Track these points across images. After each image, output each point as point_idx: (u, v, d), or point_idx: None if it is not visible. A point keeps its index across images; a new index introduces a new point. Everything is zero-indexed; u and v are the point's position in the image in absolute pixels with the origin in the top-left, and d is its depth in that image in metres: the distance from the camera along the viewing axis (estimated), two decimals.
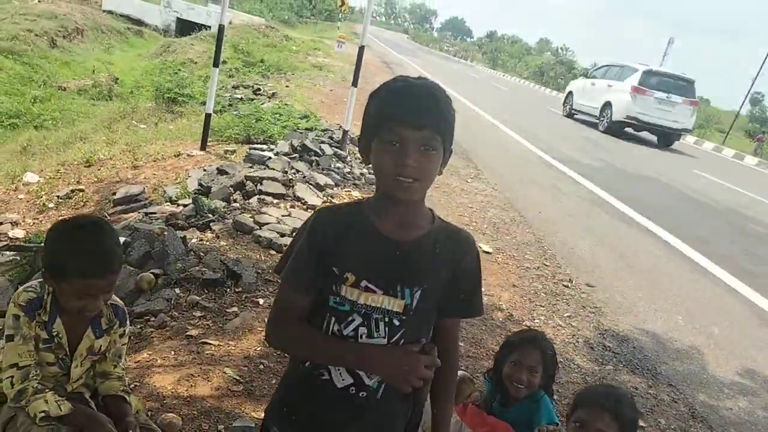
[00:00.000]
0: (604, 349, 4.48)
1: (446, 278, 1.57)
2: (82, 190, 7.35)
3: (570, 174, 11.54)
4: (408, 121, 1.41)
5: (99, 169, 8.16)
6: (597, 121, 18.78)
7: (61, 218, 3.37)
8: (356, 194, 7.06)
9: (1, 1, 22.09)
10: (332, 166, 7.71)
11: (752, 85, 33.10)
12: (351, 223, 1.53)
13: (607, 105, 18.04)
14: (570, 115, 21.07)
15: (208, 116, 8.18)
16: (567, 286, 5.63)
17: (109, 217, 6.40)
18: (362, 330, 1.50)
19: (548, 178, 10.84)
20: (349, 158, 8.44)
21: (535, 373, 2.58)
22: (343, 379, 1.53)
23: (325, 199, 6.52)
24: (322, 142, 8.48)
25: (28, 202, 7.52)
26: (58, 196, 7.31)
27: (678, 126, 17.80)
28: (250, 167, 6.93)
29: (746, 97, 34.94)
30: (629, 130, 18.50)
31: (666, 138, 18.55)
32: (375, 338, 1.51)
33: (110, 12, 27.31)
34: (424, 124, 1.42)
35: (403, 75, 1.56)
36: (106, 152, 8.75)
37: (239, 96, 12.33)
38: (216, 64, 8.23)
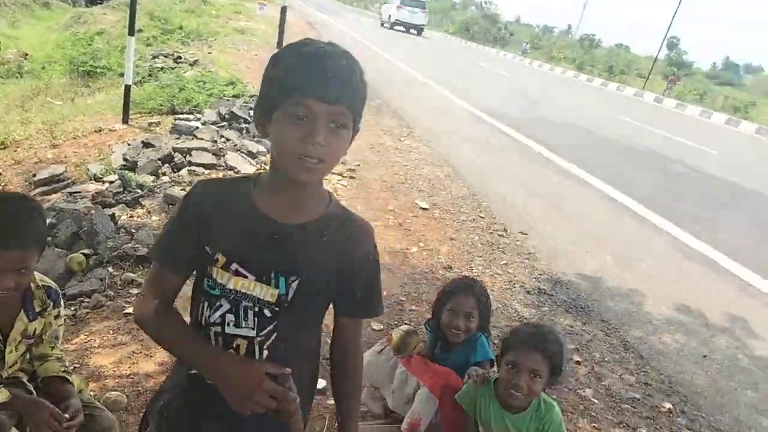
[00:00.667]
0: (539, 293, 4.65)
1: (332, 270, 1.40)
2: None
3: (498, 126, 11.74)
4: (321, 93, 1.23)
5: (15, 151, 7.73)
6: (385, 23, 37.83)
7: None
8: None
9: None
10: None
11: (668, 29, 34.28)
12: (229, 200, 1.37)
13: (389, 15, 37.79)
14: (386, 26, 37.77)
15: (127, 88, 7.84)
16: (502, 236, 5.78)
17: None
18: (229, 317, 1.36)
19: (479, 133, 10.99)
20: None
21: (471, 318, 2.66)
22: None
23: (258, 166, 6.42)
24: (251, 109, 8.28)
25: None
26: None
27: (420, 23, 36.73)
28: (177, 138, 6.72)
29: (663, 41, 36.19)
30: (399, 27, 36.71)
31: (417, 30, 36.86)
32: (242, 328, 1.35)
33: None
34: (338, 98, 1.25)
35: (310, 38, 1.37)
36: (22, 132, 8.29)
37: (159, 65, 11.82)
38: (131, 33, 7.85)
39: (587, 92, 25.21)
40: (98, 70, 11.86)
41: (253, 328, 1.36)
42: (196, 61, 12.27)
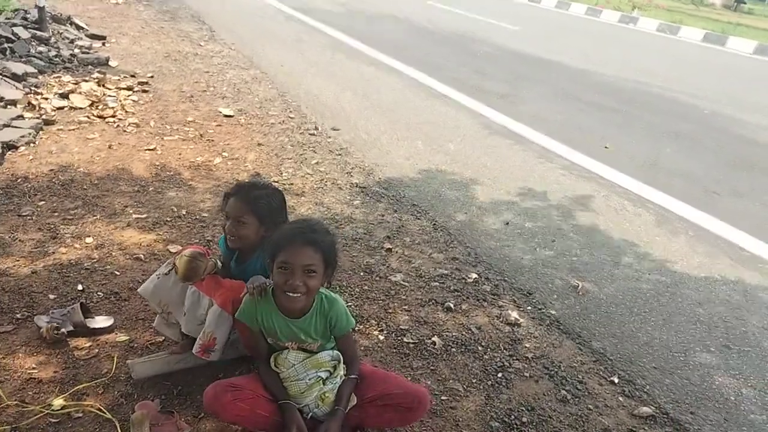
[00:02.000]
0: (351, 187, 4.57)
1: None
2: None
3: (310, 23, 11.28)
4: None
5: None
6: None
7: None
8: (68, 79, 6.14)
9: None
10: (32, 51, 6.56)
11: None
12: None
13: None
14: None
15: None
16: (313, 134, 5.58)
17: None
18: None
19: (289, 31, 10.49)
20: (53, 39, 7.26)
21: (242, 222, 2.43)
22: None
23: (27, 90, 5.58)
24: (15, 25, 7.13)
25: None
26: None
27: None
28: None
29: None
30: None
31: None
32: None
33: None
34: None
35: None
36: None
37: None
38: None
39: None
40: None
41: None
42: None
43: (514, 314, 3.18)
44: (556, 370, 2.82)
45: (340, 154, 5.19)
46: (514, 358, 2.87)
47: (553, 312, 3.28)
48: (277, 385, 2.21)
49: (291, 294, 2.05)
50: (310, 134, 5.58)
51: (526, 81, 8.72)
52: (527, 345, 2.98)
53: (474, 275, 3.54)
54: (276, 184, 4.47)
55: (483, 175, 5.06)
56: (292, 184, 4.51)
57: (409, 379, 2.61)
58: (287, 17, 11.77)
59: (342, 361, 2.27)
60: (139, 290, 2.56)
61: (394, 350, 2.83)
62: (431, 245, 3.85)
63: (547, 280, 3.61)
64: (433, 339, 2.92)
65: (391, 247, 3.76)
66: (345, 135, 5.68)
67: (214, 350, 2.40)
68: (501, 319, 3.16)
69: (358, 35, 10.38)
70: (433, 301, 3.24)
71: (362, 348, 2.79)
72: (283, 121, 5.86)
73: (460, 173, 5.06)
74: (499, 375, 2.73)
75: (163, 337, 2.70)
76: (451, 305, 3.21)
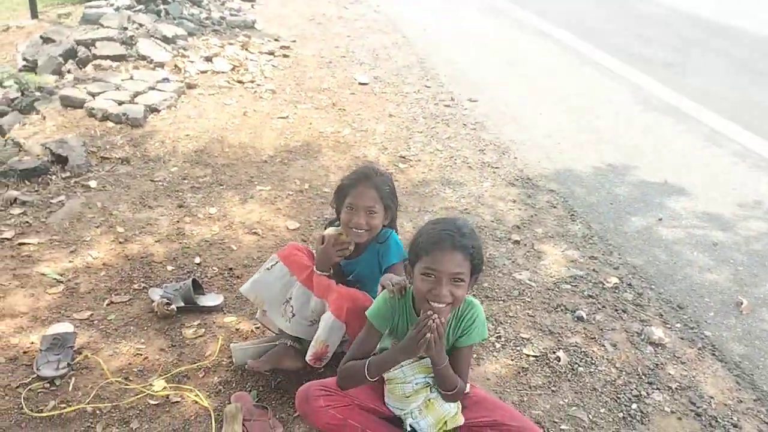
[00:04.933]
0: (483, 166, 4.24)
1: None
2: None
3: None
4: None
5: None
6: None
7: None
8: (215, 42, 6.29)
9: None
10: (185, 13, 6.80)
11: None
12: None
13: None
14: None
15: None
16: (448, 106, 5.27)
17: None
18: None
19: None
20: (206, 1, 7.49)
21: (373, 213, 2.24)
22: None
23: (176, 53, 5.76)
24: None
25: None
26: None
27: None
28: (84, 30, 6.00)
29: None
30: None
31: None
32: None
33: None
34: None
35: None
36: None
37: None
38: None
39: None
40: None
41: None
42: None
43: (658, 332, 2.73)
44: (705, 406, 2.37)
45: (474, 129, 4.85)
46: (654, 386, 2.45)
47: (708, 333, 2.79)
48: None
49: (436, 304, 1.81)
50: (444, 105, 5.28)
51: (697, 49, 7.71)
52: (671, 372, 2.54)
53: (614, 280, 3.11)
54: (403, 160, 4.26)
55: (635, 159, 4.49)
56: (419, 160, 4.26)
57: (525, 399, 2.31)
58: None
59: None
60: (240, 289, 2.45)
61: (511, 362, 2.52)
62: (566, 240, 3.45)
63: (704, 292, 3.08)
64: (557, 354, 2.57)
65: (519, 239, 3.41)
66: (482, 107, 5.31)
67: (327, 358, 2.25)
68: (642, 337, 2.73)
69: None
70: (562, 307, 2.88)
71: (474, 357, 2.51)
72: (418, 90, 5.60)
73: (609, 156, 4.52)
74: (634, 406, 2.34)
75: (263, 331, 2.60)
76: (583, 314, 2.83)
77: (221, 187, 3.74)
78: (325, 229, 2.35)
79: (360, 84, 5.62)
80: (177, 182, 3.75)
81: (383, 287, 2.05)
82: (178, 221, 3.35)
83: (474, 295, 2.89)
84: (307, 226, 3.41)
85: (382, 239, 2.33)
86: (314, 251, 2.34)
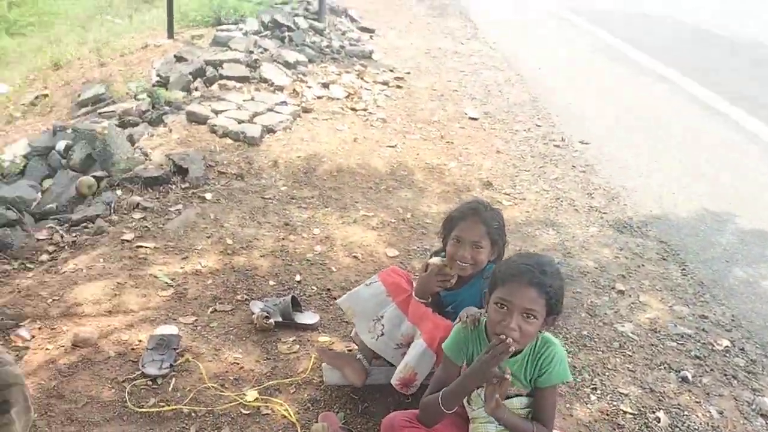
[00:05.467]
0: (590, 210, 4.11)
1: None
2: (46, 96, 6.97)
3: (581, 24, 10.63)
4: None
5: (67, 72, 7.72)
6: None
7: None
8: (333, 69, 6.53)
9: None
10: (307, 40, 7.11)
11: None
12: None
13: None
14: None
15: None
16: (558, 146, 5.17)
17: (74, 121, 6.06)
18: None
19: (555, 32, 10.00)
20: (327, 30, 7.80)
21: (479, 248, 2.22)
22: None
23: (295, 78, 6.03)
24: (297, 15, 7.81)
25: None
26: (23, 104, 6.96)
27: None
28: (214, 51, 6.41)
29: None
30: None
31: None
32: None
33: None
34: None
35: None
36: (74, 52, 8.25)
37: None
38: None
39: None
40: None
41: None
42: None
43: None
44: None
45: (583, 171, 4.72)
46: None
47: None
48: None
49: (502, 336, 1.78)
50: (554, 146, 5.18)
51: None
52: None
53: (726, 342, 2.91)
54: (507, 197, 4.21)
55: (758, 217, 4.20)
56: (524, 199, 4.20)
57: None
58: (555, 17, 11.25)
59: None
60: (338, 300, 2.51)
61: (606, 418, 2.40)
62: (675, 295, 3.26)
63: None
64: (657, 414, 2.43)
65: (624, 288, 3.26)
66: (593, 150, 5.17)
67: (415, 385, 2.24)
68: (753, 407, 2.53)
69: (629, 38, 9.50)
70: (666, 365, 2.72)
71: (566, 406, 2.42)
72: (529, 129, 5.53)
73: (728, 211, 4.26)
74: None
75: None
76: (689, 375, 2.66)
77: (326, 209, 3.85)
78: (431, 257, 2.36)
79: (470, 119, 5.63)
80: (285, 200, 3.90)
81: (460, 318, 2.04)
82: (283, 238, 3.47)
83: (572, 342, 2.80)
84: (406, 255, 3.44)
85: (486, 274, 2.30)
86: (415, 277, 2.35)
